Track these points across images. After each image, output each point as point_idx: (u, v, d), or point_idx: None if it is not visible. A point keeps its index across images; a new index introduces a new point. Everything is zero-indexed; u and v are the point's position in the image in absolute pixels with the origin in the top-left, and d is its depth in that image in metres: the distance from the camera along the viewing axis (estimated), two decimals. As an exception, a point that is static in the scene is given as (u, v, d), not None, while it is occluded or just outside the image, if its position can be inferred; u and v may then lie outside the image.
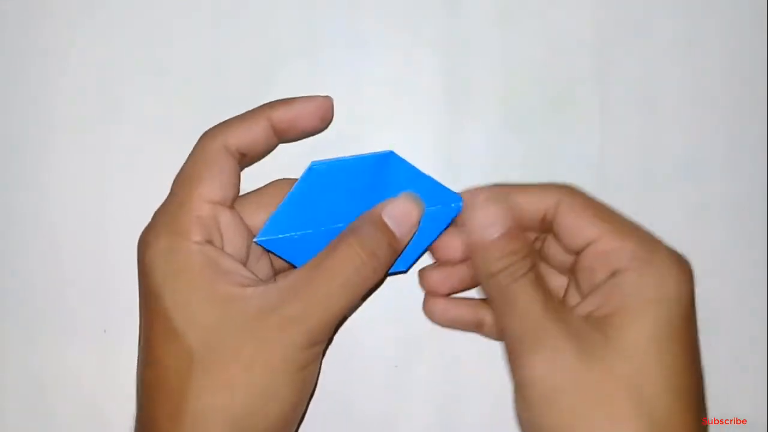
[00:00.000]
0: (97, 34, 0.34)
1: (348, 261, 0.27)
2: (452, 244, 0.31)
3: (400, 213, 0.28)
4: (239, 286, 0.27)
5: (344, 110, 0.34)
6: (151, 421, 0.27)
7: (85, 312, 0.33)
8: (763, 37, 0.34)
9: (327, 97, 0.30)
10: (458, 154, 0.34)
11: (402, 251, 0.29)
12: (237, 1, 0.34)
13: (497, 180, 0.33)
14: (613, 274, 0.27)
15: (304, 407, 0.28)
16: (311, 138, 0.34)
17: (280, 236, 0.29)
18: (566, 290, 0.30)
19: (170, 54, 0.34)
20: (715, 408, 0.34)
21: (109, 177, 0.34)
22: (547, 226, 0.29)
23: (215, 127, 0.29)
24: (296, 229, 0.29)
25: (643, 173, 0.34)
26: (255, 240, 0.29)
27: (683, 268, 0.27)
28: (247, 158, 0.30)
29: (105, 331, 0.33)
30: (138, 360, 0.28)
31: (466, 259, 0.30)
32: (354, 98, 0.34)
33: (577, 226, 0.28)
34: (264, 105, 0.30)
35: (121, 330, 0.33)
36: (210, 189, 0.28)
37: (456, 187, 0.32)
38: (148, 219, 0.33)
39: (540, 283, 0.27)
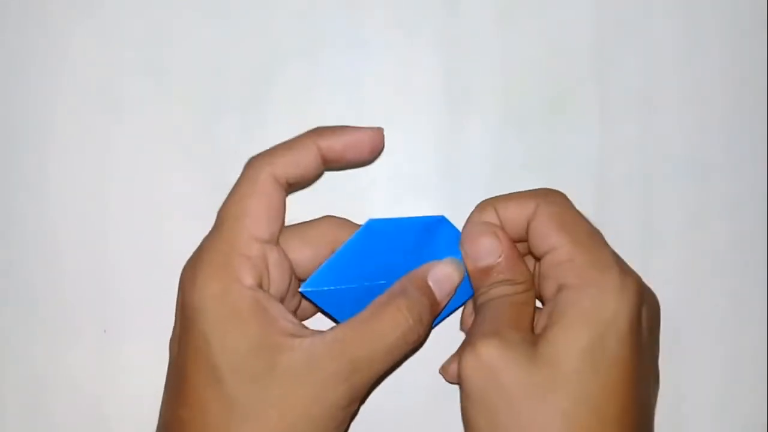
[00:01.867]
0: (97, 34, 0.34)
1: (396, 324, 0.27)
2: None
3: (444, 277, 0.29)
4: (287, 335, 0.26)
5: (344, 110, 0.34)
6: None
7: (85, 312, 0.33)
8: (763, 37, 0.34)
9: (378, 128, 0.30)
10: (458, 154, 0.34)
11: (439, 314, 0.30)
12: (237, 1, 0.34)
13: (497, 180, 0.33)
14: (559, 288, 0.27)
15: None
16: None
17: (325, 288, 0.28)
18: None
19: (170, 54, 0.34)
20: (715, 407, 0.34)
21: (109, 177, 0.34)
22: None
23: (262, 154, 0.29)
24: (341, 282, 0.29)
25: (643, 173, 0.34)
26: (300, 290, 0.28)
27: (627, 289, 0.26)
28: (293, 187, 0.29)
29: (105, 331, 0.33)
30: (168, 396, 0.28)
31: None
32: (354, 98, 0.34)
33: (542, 235, 0.28)
34: (312, 132, 0.29)
35: (121, 330, 0.33)
36: (259, 226, 0.28)
37: (456, 187, 0.32)
38: (148, 219, 0.33)
39: (513, 306, 0.28)
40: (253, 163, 0.29)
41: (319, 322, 0.32)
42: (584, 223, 0.28)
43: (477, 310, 0.29)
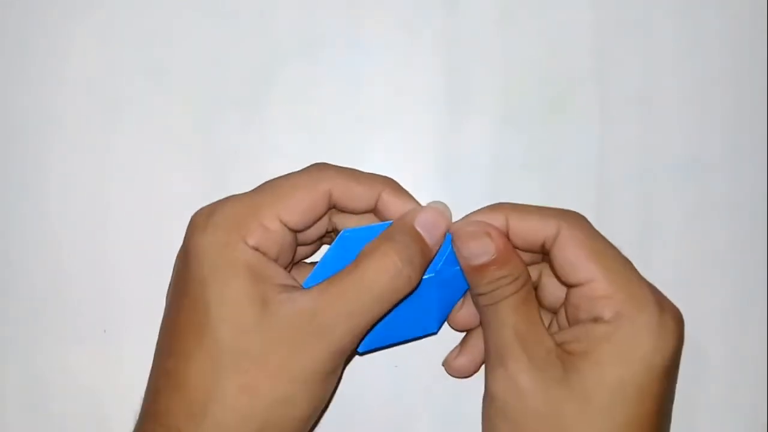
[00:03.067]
0: (97, 34, 0.34)
1: (384, 270, 0.27)
2: (468, 314, 0.31)
3: (432, 222, 0.28)
4: (280, 292, 0.26)
5: (344, 110, 0.34)
6: (167, 414, 0.26)
7: (85, 312, 0.33)
8: (763, 37, 0.34)
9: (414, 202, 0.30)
10: (458, 154, 0.34)
11: (431, 260, 0.29)
12: (237, 1, 0.34)
13: (497, 179, 0.33)
14: (595, 319, 0.27)
15: (319, 415, 0.28)
16: (310, 139, 0.34)
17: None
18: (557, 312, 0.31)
19: (170, 54, 0.34)
20: (714, 407, 0.34)
21: (109, 177, 0.34)
22: (546, 252, 0.29)
23: (334, 169, 0.29)
24: None
25: (643, 173, 0.34)
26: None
27: (666, 328, 0.27)
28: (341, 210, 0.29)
29: (105, 331, 0.33)
30: (157, 348, 0.28)
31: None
32: (354, 98, 0.34)
33: (571, 264, 0.28)
34: (378, 175, 0.29)
35: (121, 330, 0.33)
36: (292, 214, 0.28)
37: (456, 187, 0.32)
38: (148, 219, 0.33)
39: (521, 306, 0.28)
40: (313, 172, 0.29)
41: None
42: (614, 252, 0.28)
43: (482, 312, 0.29)
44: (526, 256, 0.30)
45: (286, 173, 0.29)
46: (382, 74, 0.34)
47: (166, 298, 0.29)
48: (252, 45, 0.34)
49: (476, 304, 0.30)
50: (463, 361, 0.32)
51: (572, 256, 0.28)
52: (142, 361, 0.33)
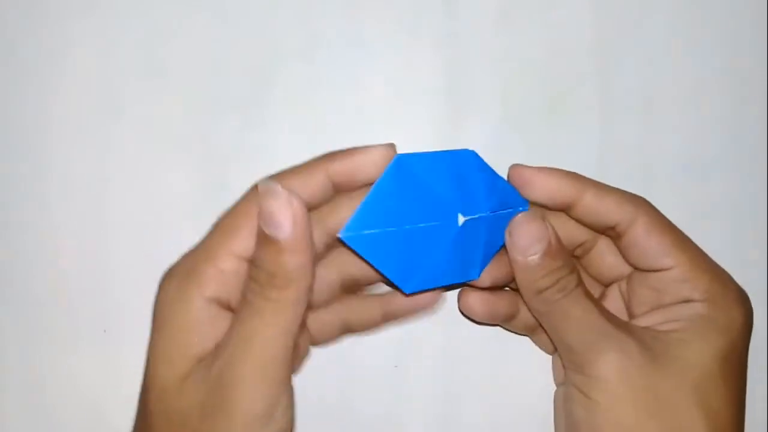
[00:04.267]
0: (97, 34, 0.34)
1: (248, 313, 0.26)
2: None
3: (267, 213, 0.25)
4: (211, 348, 0.26)
5: (344, 110, 0.34)
6: None
7: (85, 312, 0.33)
8: (763, 37, 0.34)
9: (389, 145, 0.28)
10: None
11: (305, 266, 0.25)
12: (237, 1, 0.34)
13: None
14: (686, 300, 0.28)
15: None
16: (310, 139, 0.34)
17: (366, 233, 0.26)
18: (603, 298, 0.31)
19: (170, 54, 0.34)
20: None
21: (109, 177, 0.34)
22: (613, 234, 0.30)
23: (269, 177, 0.28)
24: (382, 225, 0.27)
25: (643, 173, 0.34)
26: (338, 235, 0.26)
27: (747, 306, 0.29)
28: None
29: (105, 331, 0.33)
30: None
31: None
32: (354, 98, 0.34)
33: (655, 251, 0.29)
34: (321, 157, 0.28)
35: (121, 330, 0.33)
36: (243, 244, 0.26)
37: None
38: (148, 219, 0.33)
39: (590, 294, 0.28)
40: (265, 184, 0.27)
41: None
42: (688, 239, 0.29)
43: (550, 311, 0.28)
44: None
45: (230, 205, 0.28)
46: (382, 74, 0.34)
47: None
48: (252, 45, 0.34)
49: (537, 306, 0.28)
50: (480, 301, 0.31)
51: (655, 244, 0.29)
52: (142, 361, 0.33)
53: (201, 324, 0.26)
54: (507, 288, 0.32)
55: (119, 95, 0.34)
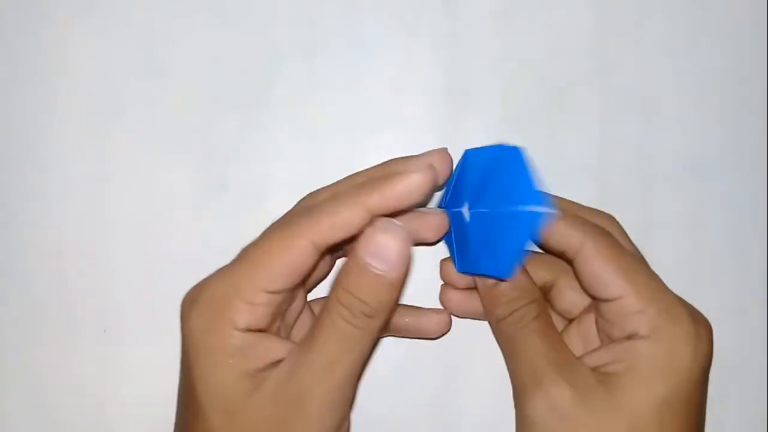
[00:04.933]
0: (97, 34, 0.34)
1: (337, 339, 0.26)
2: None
3: (382, 248, 0.25)
4: (264, 368, 0.26)
5: (344, 110, 0.34)
6: None
7: (85, 312, 0.33)
8: (763, 37, 0.34)
9: (429, 166, 0.26)
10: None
11: (397, 299, 0.26)
12: (237, 1, 0.34)
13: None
14: (630, 336, 0.27)
15: None
16: (310, 139, 0.34)
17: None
18: (567, 328, 0.31)
19: (170, 54, 0.34)
20: (714, 407, 0.34)
21: (109, 177, 0.34)
22: (568, 260, 0.29)
23: (307, 212, 0.27)
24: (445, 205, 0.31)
25: (643, 173, 0.34)
26: None
27: (701, 337, 0.27)
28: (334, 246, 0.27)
29: (105, 331, 0.33)
30: (175, 422, 0.29)
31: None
32: (354, 98, 0.34)
33: (600, 280, 0.27)
34: (359, 190, 0.26)
35: (121, 330, 0.33)
36: (275, 282, 0.26)
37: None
38: (148, 219, 0.33)
39: (546, 330, 0.28)
40: (293, 222, 0.26)
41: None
42: (642, 266, 0.28)
43: (507, 340, 0.29)
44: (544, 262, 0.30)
45: (265, 232, 0.28)
46: (382, 74, 0.34)
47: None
48: (252, 45, 0.34)
49: (496, 333, 0.29)
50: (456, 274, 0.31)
51: (600, 272, 0.27)
52: (142, 361, 0.33)
53: (241, 349, 0.26)
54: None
55: (119, 95, 0.34)
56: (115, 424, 0.33)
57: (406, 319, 0.32)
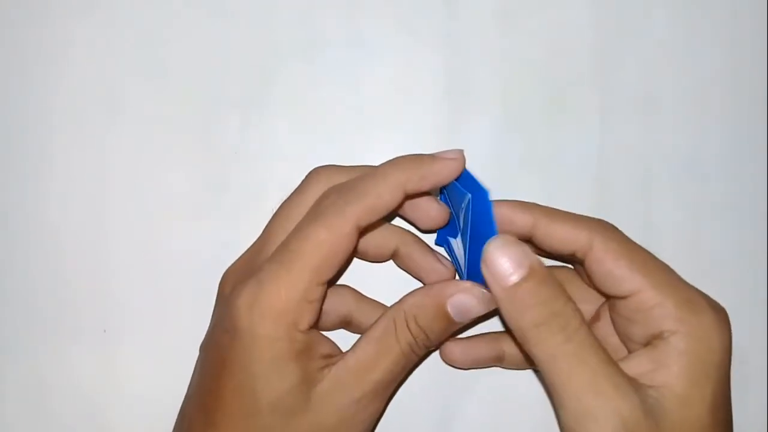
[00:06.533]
0: (97, 34, 0.34)
1: (395, 360, 0.27)
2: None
3: (467, 309, 0.28)
4: (322, 368, 0.27)
5: (344, 110, 0.34)
6: None
7: (85, 312, 0.33)
8: (763, 37, 0.34)
9: (458, 152, 0.28)
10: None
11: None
12: (237, 1, 0.34)
13: (497, 179, 0.33)
14: (658, 335, 0.26)
15: None
16: (310, 139, 0.34)
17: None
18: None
19: (170, 54, 0.34)
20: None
21: (109, 177, 0.34)
22: (575, 261, 0.28)
23: (347, 190, 0.27)
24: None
25: (643, 173, 0.34)
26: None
27: (724, 324, 0.26)
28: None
29: (105, 331, 0.33)
30: (196, 407, 0.28)
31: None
32: (354, 98, 0.34)
33: (614, 276, 0.27)
34: (396, 170, 0.27)
35: (121, 330, 0.33)
36: (328, 272, 0.27)
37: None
38: (148, 219, 0.33)
39: (595, 339, 0.25)
40: (337, 204, 0.27)
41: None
42: (653, 259, 0.28)
43: (544, 353, 0.25)
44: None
45: (304, 221, 0.28)
46: (382, 74, 0.34)
47: (205, 350, 0.29)
48: (252, 45, 0.34)
49: (531, 345, 0.25)
50: (459, 349, 0.32)
51: (613, 268, 0.27)
52: (142, 361, 0.33)
53: (304, 351, 0.27)
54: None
55: (119, 95, 0.34)
56: (115, 424, 0.33)
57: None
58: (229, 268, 0.30)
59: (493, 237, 0.25)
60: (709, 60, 0.34)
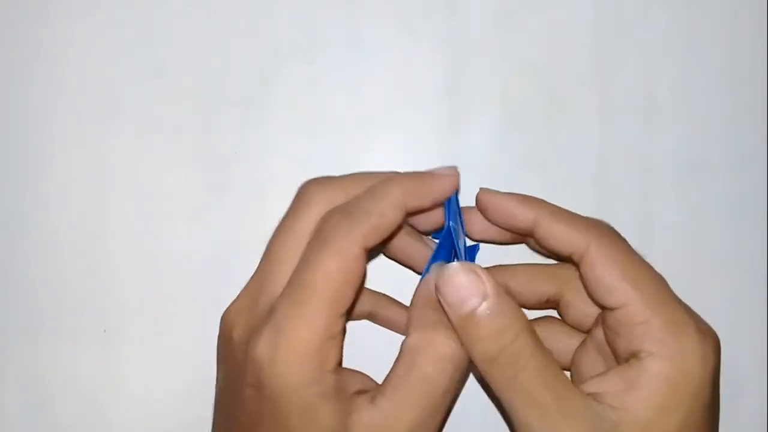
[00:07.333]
0: (97, 34, 0.34)
1: (421, 386, 0.25)
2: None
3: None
4: (352, 405, 0.25)
5: (344, 110, 0.34)
6: None
7: (85, 312, 0.33)
8: (763, 37, 0.34)
9: (452, 169, 0.28)
10: (458, 154, 0.34)
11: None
12: (237, 1, 0.34)
13: (497, 179, 0.33)
14: (636, 354, 0.25)
15: None
16: (310, 139, 0.34)
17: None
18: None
19: (170, 54, 0.34)
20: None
21: (109, 177, 0.34)
22: (575, 264, 0.28)
23: (350, 213, 0.26)
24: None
25: (643, 173, 0.34)
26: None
27: (710, 351, 0.25)
28: None
29: (105, 331, 0.33)
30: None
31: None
32: (354, 98, 0.34)
33: (604, 285, 0.26)
34: (397, 188, 0.26)
35: (121, 330, 0.33)
36: (345, 303, 0.25)
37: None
38: (148, 219, 0.33)
39: (548, 366, 0.25)
40: (341, 226, 0.25)
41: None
42: (649, 271, 0.27)
43: (499, 382, 0.25)
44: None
45: (309, 250, 0.26)
46: (382, 74, 0.34)
47: (229, 421, 0.27)
48: (252, 45, 0.34)
49: (485, 372, 0.25)
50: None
51: (604, 276, 0.26)
52: (142, 361, 0.33)
53: (335, 391, 0.25)
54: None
55: (119, 95, 0.34)
56: (115, 424, 0.33)
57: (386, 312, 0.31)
58: (231, 307, 0.28)
59: (452, 264, 0.25)
60: (709, 60, 0.34)
